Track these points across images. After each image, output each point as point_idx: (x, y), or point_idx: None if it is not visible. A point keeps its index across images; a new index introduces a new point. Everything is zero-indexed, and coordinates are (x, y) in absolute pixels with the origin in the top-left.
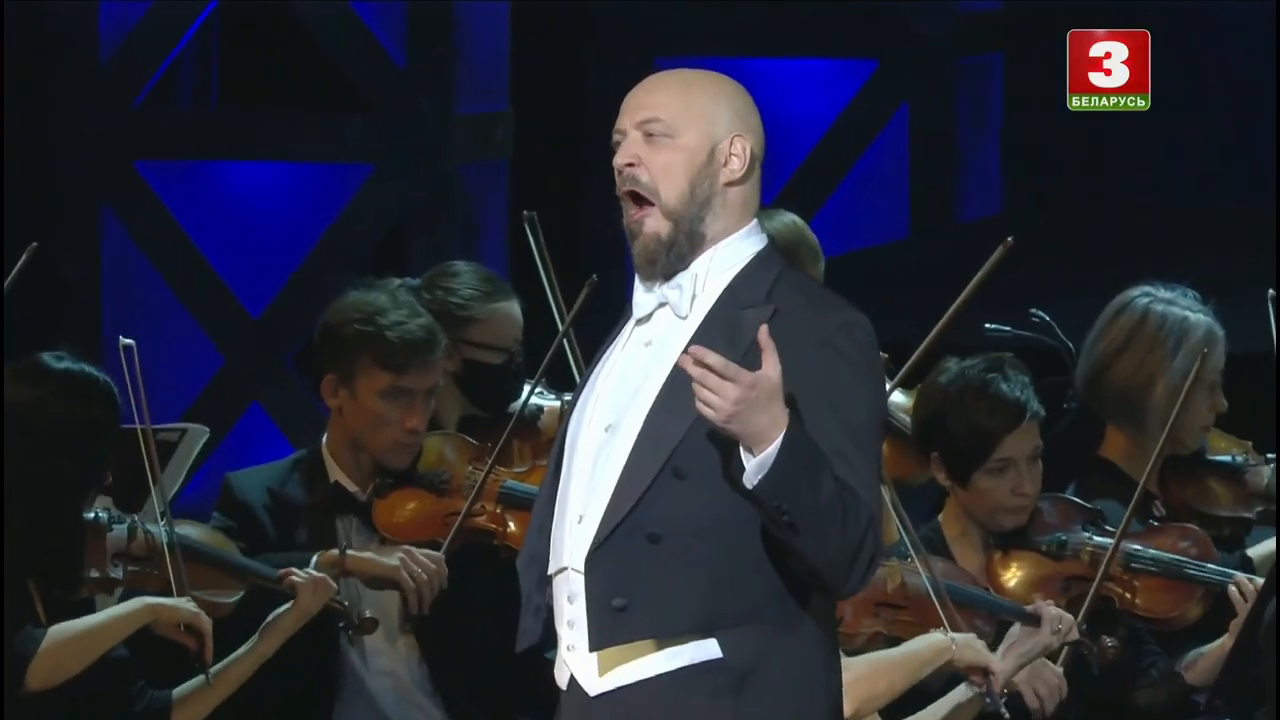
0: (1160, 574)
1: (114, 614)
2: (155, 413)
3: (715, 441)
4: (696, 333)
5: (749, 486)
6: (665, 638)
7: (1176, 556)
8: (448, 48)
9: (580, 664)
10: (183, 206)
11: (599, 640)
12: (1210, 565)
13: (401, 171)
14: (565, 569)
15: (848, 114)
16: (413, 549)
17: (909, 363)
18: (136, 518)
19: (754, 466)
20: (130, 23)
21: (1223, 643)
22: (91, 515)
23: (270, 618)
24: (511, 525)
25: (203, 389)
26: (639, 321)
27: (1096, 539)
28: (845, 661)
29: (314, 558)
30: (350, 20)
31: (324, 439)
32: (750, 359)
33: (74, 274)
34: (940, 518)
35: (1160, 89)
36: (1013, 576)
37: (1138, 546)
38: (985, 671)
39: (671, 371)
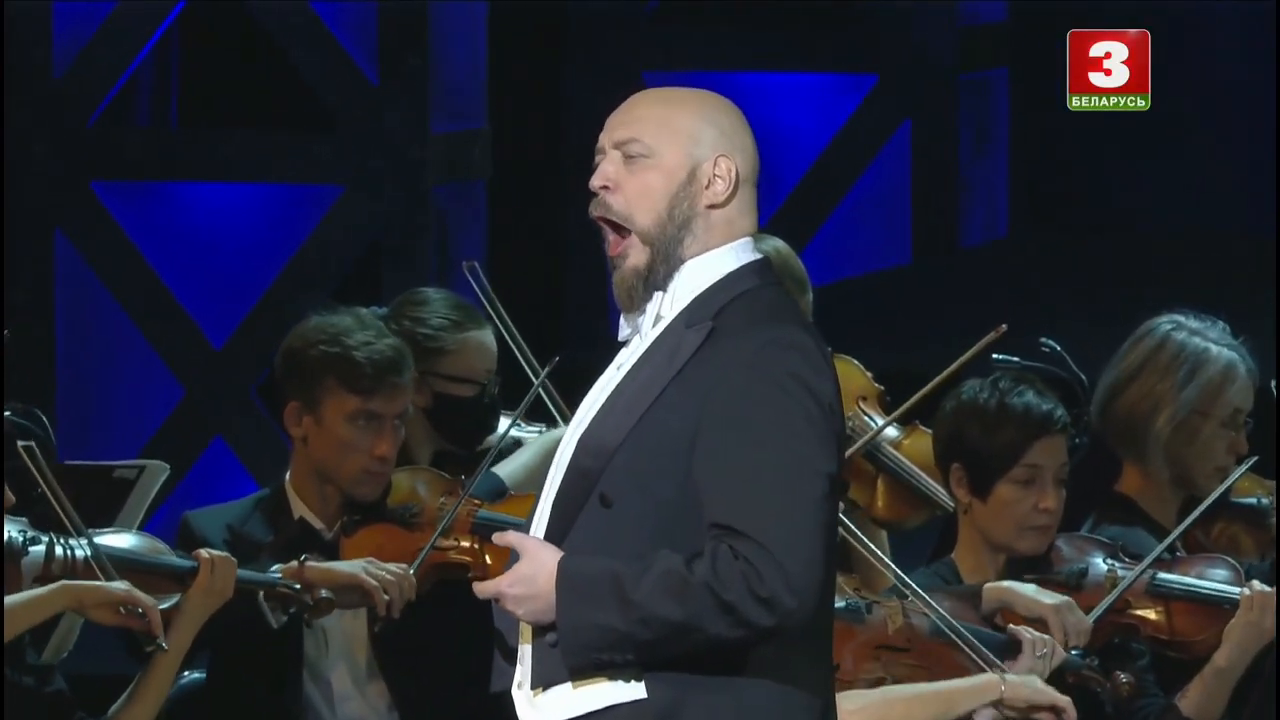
0: (1186, 599)
1: (29, 595)
2: (112, 447)
3: (640, 465)
4: (643, 354)
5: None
6: (593, 676)
7: (1204, 582)
8: (421, 62)
9: (522, 700)
10: (141, 230)
11: (537, 678)
12: (1236, 588)
13: (373, 193)
14: None
15: (845, 132)
16: (376, 560)
17: (891, 416)
18: (53, 535)
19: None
20: (85, 37)
21: (1213, 659)
22: (5, 538)
23: (178, 601)
24: (489, 558)
25: (162, 423)
26: (622, 344)
27: (1120, 570)
28: (858, 693)
29: (275, 568)
30: (319, 33)
31: (287, 474)
32: (681, 381)
33: (25, 300)
34: (954, 555)
35: (1165, 94)
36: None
37: (1164, 573)
38: (1054, 709)
39: (609, 397)
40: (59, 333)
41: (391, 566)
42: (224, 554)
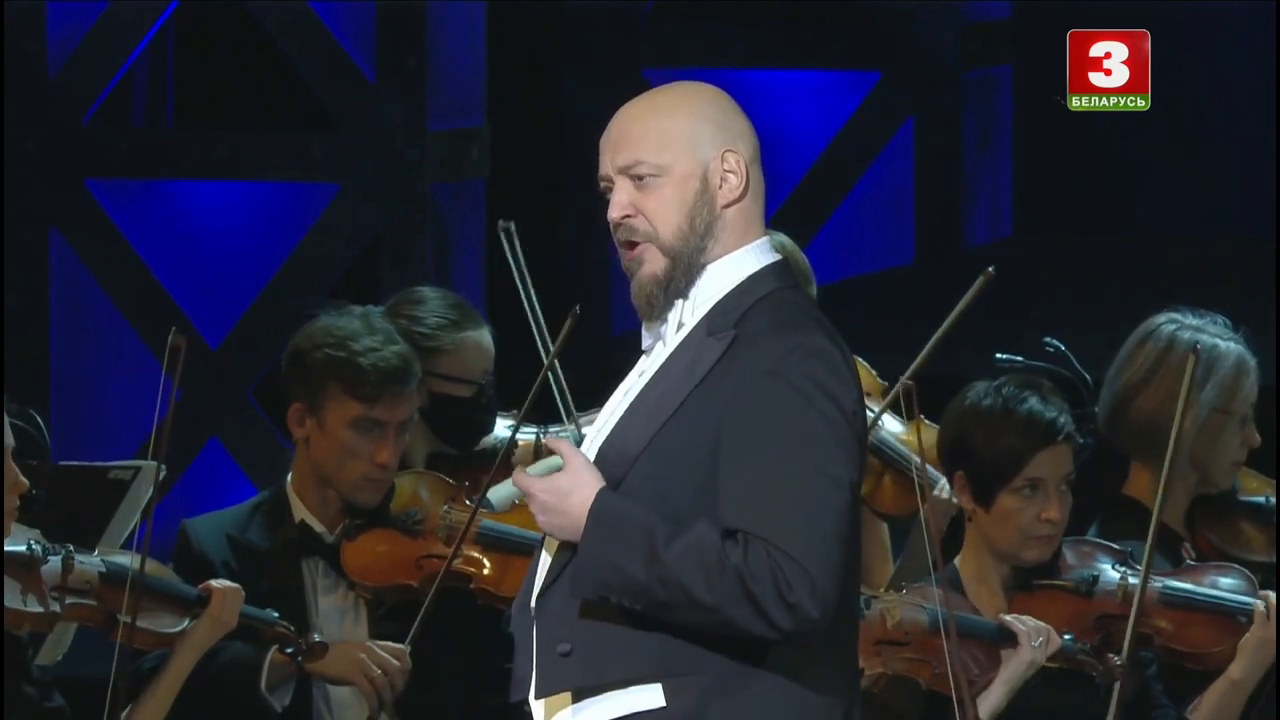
0: (1199, 609)
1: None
2: (108, 449)
3: (661, 473)
4: (665, 362)
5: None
6: (607, 684)
7: (1216, 592)
8: (420, 61)
9: (539, 710)
10: (136, 228)
11: (543, 687)
12: (1251, 598)
13: (370, 192)
14: (533, 610)
15: (848, 130)
16: (373, 647)
17: (891, 393)
18: (70, 548)
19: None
20: (80, 34)
21: (1226, 671)
22: (24, 548)
23: (182, 627)
24: (489, 568)
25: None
26: (645, 352)
27: (1131, 577)
28: None
29: (269, 655)
30: (316, 31)
31: (289, 477)
32: (703, 390)
33: (20, 299)
34: (957, 560)
35: (1170, 96)
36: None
37: (1175, 582)
38: None
39: (631, 405)
40: (54, 332)
41: (386, 656)
42: (234, 585)
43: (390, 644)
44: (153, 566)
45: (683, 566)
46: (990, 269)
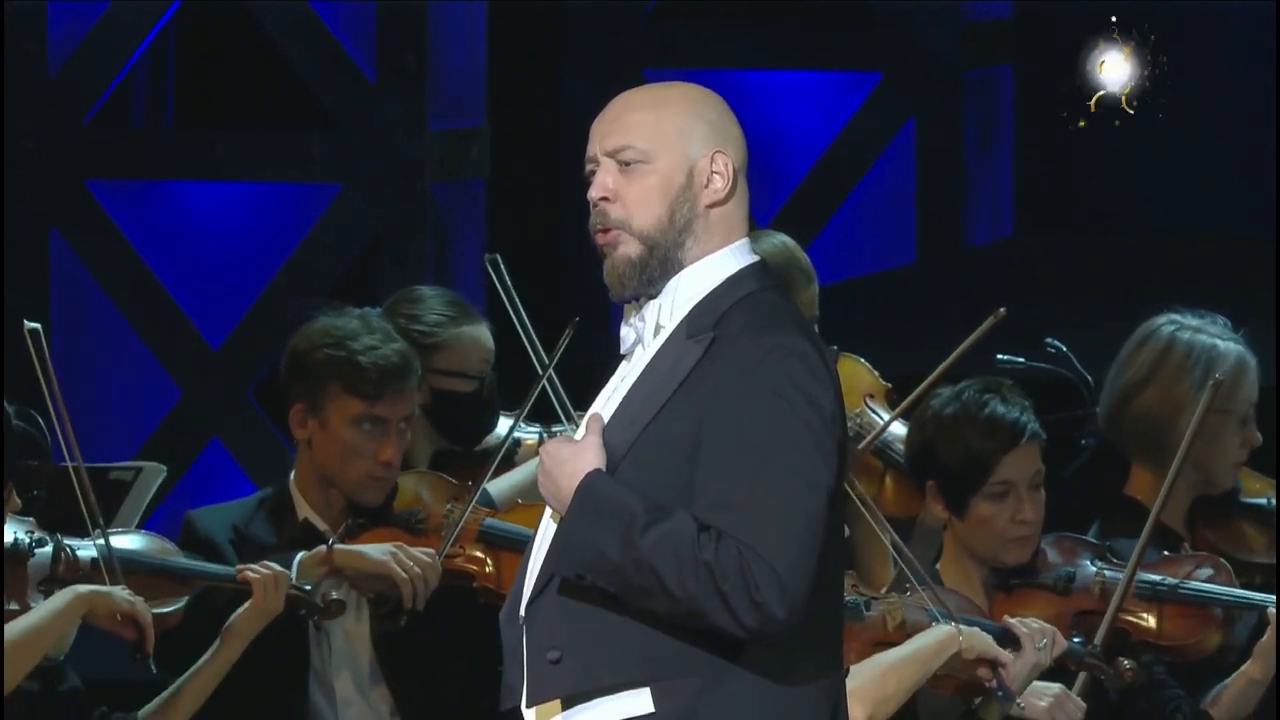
0: (1175, 600)
1: (48, 611)
2: (109, 450)
3: (643, 478)
4: (645, 367)
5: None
6: (596, 691)
7: (1191, 582)
8: (420, 60)
9: (529, 718)
10: (137, 229)
11: (534, 695)
12: (1229, 590)
13: (370, 192)
14: (522, 618)
15: (849, 130)
16: (404, 545)
17: (896, 410)
18: (60, 536)
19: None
20: (81, 34)
21: (1245, 670)
22: (11, 540)
23: (230, 620)
24: (492, 566)
25: (159, 424)
26: (624, 356)
27: (1107, 572)
28: (852, 669)
29: (299, 555)
30: (316, 31)
31: (292, 475)
32: (683, 394)
33: (21, 300)
34: (938, 565)
35: (1166, 94)
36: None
37: (1150, 575)
38: (995, 664)
39: (614, 411)
40: (54, 333)
41: (420, 553)
42: (279, 570)
43: (422, 547)
44: (151, 545)
45: (657, 553)
46: (1002, 309)
